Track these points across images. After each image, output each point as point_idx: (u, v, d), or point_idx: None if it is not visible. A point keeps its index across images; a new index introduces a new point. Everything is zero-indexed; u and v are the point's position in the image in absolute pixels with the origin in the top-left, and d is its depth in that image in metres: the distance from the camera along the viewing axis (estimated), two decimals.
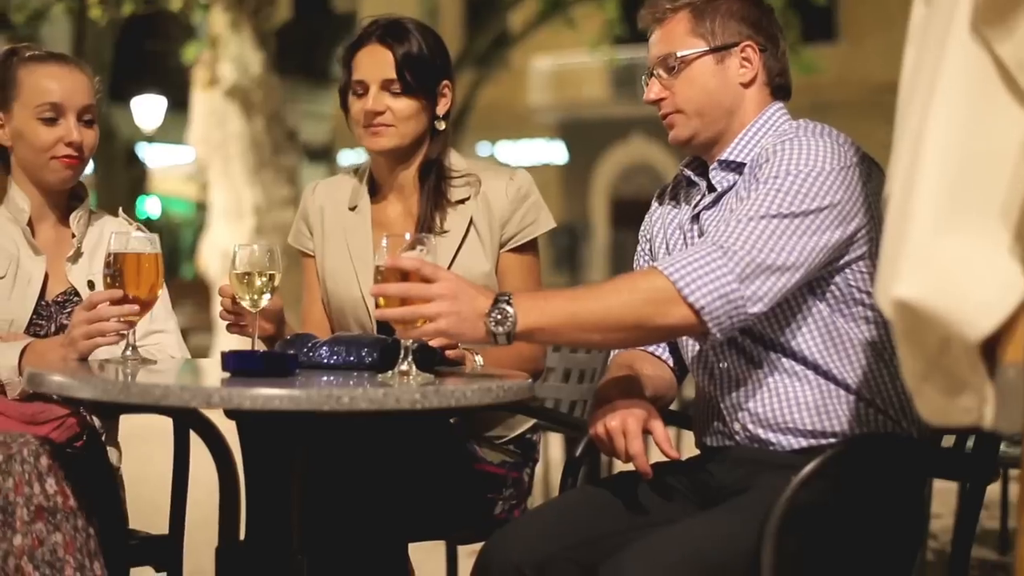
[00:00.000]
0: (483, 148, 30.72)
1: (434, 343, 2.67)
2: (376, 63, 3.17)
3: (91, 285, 3.10)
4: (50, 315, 3.08)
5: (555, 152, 30.41)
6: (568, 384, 3.54)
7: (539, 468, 3.74)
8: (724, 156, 2.75)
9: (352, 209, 3.28)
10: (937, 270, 1.73)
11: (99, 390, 2.27)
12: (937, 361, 1.78)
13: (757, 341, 2.65)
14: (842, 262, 2.57)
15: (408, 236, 2.50)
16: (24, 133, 3.10)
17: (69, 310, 3.09)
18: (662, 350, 2.94)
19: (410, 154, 3.23)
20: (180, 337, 3.20)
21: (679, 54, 2.74)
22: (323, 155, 29.15)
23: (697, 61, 2.74)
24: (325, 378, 2.56)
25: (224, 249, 12.15)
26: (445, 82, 3.24)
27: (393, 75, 3.15)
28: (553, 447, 6.87)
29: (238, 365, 2.45)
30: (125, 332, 2.76)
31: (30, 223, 3.14)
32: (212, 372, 2.53)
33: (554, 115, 29.93)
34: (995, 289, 1.70)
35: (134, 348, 2.77)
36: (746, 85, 2.75)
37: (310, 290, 3.33)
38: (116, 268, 2.75)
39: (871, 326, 2.61)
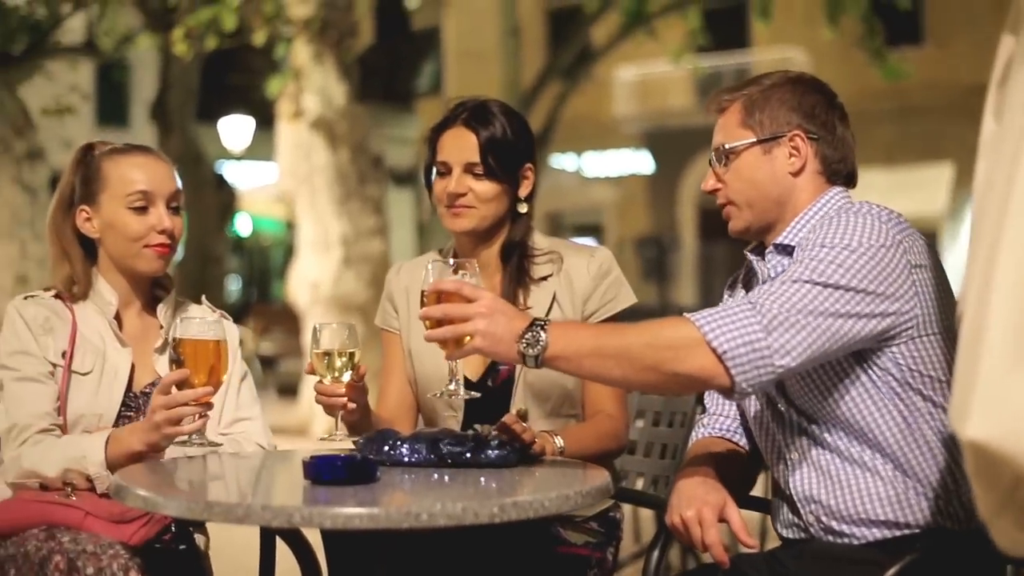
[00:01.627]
0: (569, 160, 30.72)
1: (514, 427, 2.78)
2: (460, 146, 3.22)
3: None
4: (138, 407, 3.13)
5: (641, 162, 30.32)
6: (651, 459, 3.54)
7: (628, 526, 3.75)
8: (779, 240, 2.77)
9: None
10: (1009, 411, 1.72)
11: (183, 508, 2.32)
12: (1011, 496, 1.78)
13: (827, 430, 2.65)
14: (889, 340, 2.56)
15: (451, 262, 2.60)
16: (115, 223, 3.13)
17: None
18: (739, 436, 2.94)
19: (492, 235, 3.27)
20: (265, 424, 3.24)
21: (727, 146, 2.79)
22: (408, 179, 29.28)
23: (745, 152, 2.78)
24: (407, 477, 2.60)
25: (312, 280, 12.26)
26: (528, 165, 3.28)
27: (476, 158, 3.19)
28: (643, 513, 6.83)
29: (321, 474, 2.47)
30: (207, 415, 2.84)
31: (117, 315, 3.18)
32: (295, 478, 2.55)
33: (639, 125, 29.83)
34: None
35: (200, 433, 2.85)
36: (795, 174, 2.77)
37: (390, 366, 3.36)
38: (181, 353, 2.83)
39: (939, 410, 2.60)
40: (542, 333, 2.44)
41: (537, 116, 21.28)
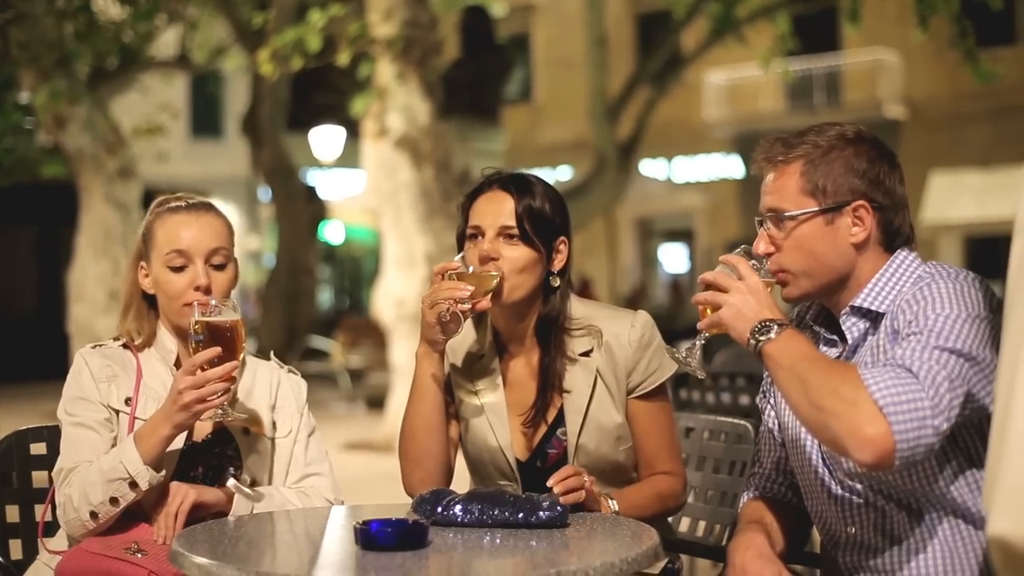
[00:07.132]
0: (659, 166, 30.64)
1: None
2: (495, 210, 3.18)
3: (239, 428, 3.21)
4: (198, 455, 3.21)
5: (731, 167, 30.16)
6: (710, 505, 3.56)
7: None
8: (857, 302, 2.71)
9: (480, 358, 3.31)
10: None
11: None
12: None
13: (892, 502, 2.64)
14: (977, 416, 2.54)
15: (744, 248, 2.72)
16: (159, 281, 3.24)
17: (217, 451, 3.21)
18: (790, 493, 2.94)
19: (525, 310, 3.23)
20: (335, 480, 3.31)
21: (787, 213, 2.71)
22: None
23: (807, 223, 2.70)
24: (459, 540, 2.65)
25: (398, 297, 12.35)
26: (562, 238, 3.23)
27: (511, 222, 3.16)
28: None
29: (372, 540, 2.52)
30: (230, 389, 3.03)
31: (178, 363, 3.26)
32: (349, 543, 2.61)
33: (729, 129, 29.65)
34: None
35: (229, 405, 3.08)
36: (858, 246, 2.69)
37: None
38: (203, 334, 3.00)
39: None
40: (774, 331, 2.53)
41: (626, 122, 21.30)
